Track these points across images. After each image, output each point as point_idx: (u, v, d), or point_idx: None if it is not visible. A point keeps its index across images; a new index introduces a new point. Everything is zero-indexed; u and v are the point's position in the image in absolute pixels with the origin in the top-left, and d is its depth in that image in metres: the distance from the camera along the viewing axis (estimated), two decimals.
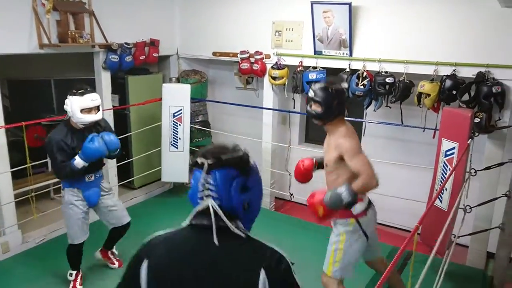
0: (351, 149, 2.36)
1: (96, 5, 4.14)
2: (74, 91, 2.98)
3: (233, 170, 1.16)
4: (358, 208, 2.51)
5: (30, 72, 5.11)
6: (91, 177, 3.15)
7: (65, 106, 3.00)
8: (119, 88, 4.86)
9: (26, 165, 3.80)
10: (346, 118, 2.59)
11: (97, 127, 3.16)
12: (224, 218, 1.14)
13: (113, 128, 3.38)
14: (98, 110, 3.07)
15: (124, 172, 4.95)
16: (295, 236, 4.24)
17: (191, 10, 5.11)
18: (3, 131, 3.69)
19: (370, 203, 2.64)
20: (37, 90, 5.25)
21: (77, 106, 2.94)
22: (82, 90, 2.98)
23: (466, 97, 3.50)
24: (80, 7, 3.99)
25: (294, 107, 4.84)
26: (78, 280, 3.38)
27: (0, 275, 3.55)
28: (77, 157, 2.93)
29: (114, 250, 3.67)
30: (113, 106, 4.69)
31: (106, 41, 4.26)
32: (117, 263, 3.67)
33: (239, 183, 1.17)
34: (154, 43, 4.80)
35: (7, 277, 3.55)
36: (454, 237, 3.24)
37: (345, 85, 2.60)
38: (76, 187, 3.11)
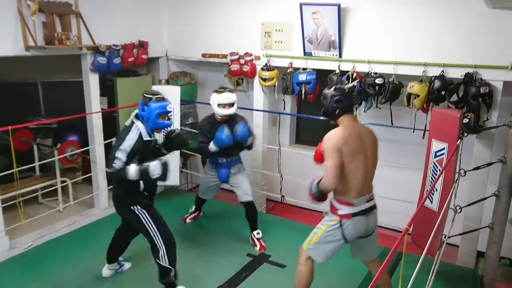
0: (325, 151, 2.57)
1: (83, 6, 4.09)
2: (215, 89, 3.81)
3: (141, 101, 2.94)
4: (343, 210, 2.64)
5: (16, 75, 5.03)
6: (223, 159, 3.96)
7: (210, 101, 3.83)
8: (107, 90, 4.80)
9: (13, 170, 3.73)
10: None
11: (233, 121, 3.81)
12: (131, 116, 3.01)
13: (247, 123, 3.87)
14: (232, 106, 3.78)
15: None
16: (287, 238, 4.22)
17: (180, 11, 5.08)
18: None
19: (364, 212, 2.66)
20: (24, 93, 5.18)
21: (215, 102, 3.75)
22: (222, 90, 3.78)
23: (454, 97, 3.53)
24: (66, 9, 3.94)
25: (284, 109, 4.83)
26: (191, 215, 4.57)
27: None
28: (211, 143, 3.75)
29: (255, 233, 4.08)
30: (102, 109, 4.63)
31: (94, 42, 4.21)
32: (258, 246, 4.03)
33: (140, 107, 2.94)
34: (142, 45, 4.75)
35: None
36: (445, 237, 3.25)
37: (348, 85, 2.76)
38: (213, 163, 4.07)
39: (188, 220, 4.56)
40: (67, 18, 3.92)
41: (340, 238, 2.68)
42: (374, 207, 2.74)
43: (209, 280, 3.48)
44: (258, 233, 4.08)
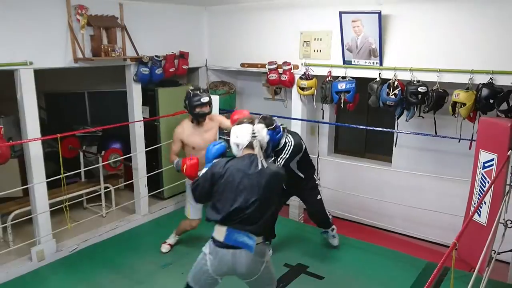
0: None
1: (128, 19, 4.26)
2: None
3: None
4: None
5: (65, 85, 5.29)
6: None
7: None
8: (149, 99, 4.96)
9: (61, 175, 3.90)
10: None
11: None
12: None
13: None
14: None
15: (154, 183, 5.02)
16: (325, 250, 4.14)
17: (219, 22, 5.18)
18: (40, 142, 3.81)
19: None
20: (71, 103, 5.44)
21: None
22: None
23: (504, 106, 3.35)
24: (112, 22, 4.11)
25: (323, 118, 4.78)
26: None
27: (36, 283, 3.65)
28: None
29: None
30: (144, 118, 4.77)
31: (137, 54, 4.36)
32: None
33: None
34: (183, 56, 4.87)
35: (42, 285, 3.64)
36: (494, 253, 3.08)
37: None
38: None
39: None
40: (113, 31, 4.09)
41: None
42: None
43: None
44: None
